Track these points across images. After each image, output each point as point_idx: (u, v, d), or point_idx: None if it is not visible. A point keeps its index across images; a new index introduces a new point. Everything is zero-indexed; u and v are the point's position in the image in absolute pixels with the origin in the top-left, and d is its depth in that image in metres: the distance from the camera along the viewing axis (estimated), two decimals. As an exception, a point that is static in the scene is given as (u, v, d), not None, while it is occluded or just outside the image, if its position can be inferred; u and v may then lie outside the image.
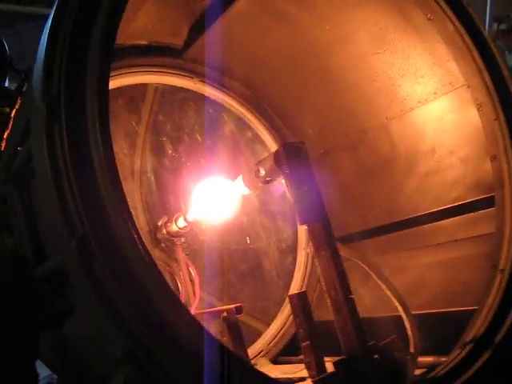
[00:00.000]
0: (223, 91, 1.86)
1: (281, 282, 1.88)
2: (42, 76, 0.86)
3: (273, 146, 1.91)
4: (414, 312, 1.51)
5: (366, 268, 1.53)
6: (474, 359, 1.15)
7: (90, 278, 0.82)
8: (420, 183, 1.66)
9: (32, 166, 1.08)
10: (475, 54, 1.41)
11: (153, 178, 1.74)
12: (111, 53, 0.88)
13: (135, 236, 0.83)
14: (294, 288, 1.87)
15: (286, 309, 1.83)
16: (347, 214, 1.80)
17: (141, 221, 1.67)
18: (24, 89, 1.40)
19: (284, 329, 1.82)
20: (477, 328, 1.23)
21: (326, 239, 1.22)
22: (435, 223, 1.62)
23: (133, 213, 0.89)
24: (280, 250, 1.91)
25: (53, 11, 0.89)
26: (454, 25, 1.41)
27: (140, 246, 0.83)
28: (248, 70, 1.81)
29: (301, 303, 1.35)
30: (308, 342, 1.32)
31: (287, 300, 1.83)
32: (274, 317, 1.84)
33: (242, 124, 1.91)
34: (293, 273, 1.90)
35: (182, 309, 0.85)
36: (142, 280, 0.82)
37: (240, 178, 1.42)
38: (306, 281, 1.90)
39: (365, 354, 1.20)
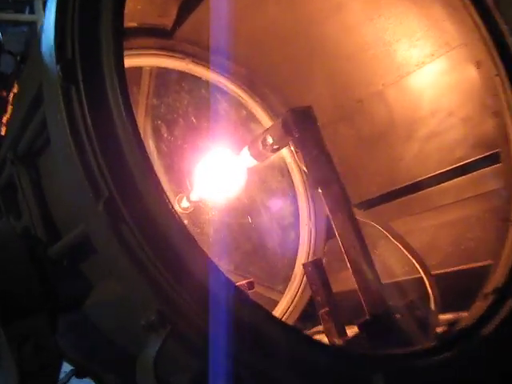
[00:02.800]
0: (215, 71, 1.84)
1: (285, 259, 1.86)
2: (55, 41, 0.83)
3: (268, 123, 1.88)
4: (427, 273, 1.51)
5: (382, 229, 1.50)
6: (497, 309, 1.15)
7: (120, 240, 0.80)
8: (421, 148, 1.65)
9: (40, 142, 1.06)
10: (471, 10, 1.40)
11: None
12: (123, 13, 0.87)
13: (163, 194, 0.81)
14: (300, 263, 1.86)
15: (294, 284, 1.82)
16: (348, 185, 1.78)
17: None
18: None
19: (293, 305, 1.81)
20: (496, 280, 1.22)
21: (343, 201, 1.21)
22: (440, 185, 1.62)
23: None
24: (282, 228, 1.90)
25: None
26: (448, -16, 1.41)
27: (169, 205, 0.81)
28: (240, 48, 1.78)
29: (317, 270, 1.35)
30: (326, 309, 1.31)
31: (294, 275, 1.83)
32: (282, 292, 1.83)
33: (235, 103, 1.89)
34: (297, 249, 1.89)
35: (211, 264, 0.83)
36: (171, 238, 0.80)
37: (246, 150, 1.41)
38: (310, 256, 1.88)
39: (387, 314, 1.20)
